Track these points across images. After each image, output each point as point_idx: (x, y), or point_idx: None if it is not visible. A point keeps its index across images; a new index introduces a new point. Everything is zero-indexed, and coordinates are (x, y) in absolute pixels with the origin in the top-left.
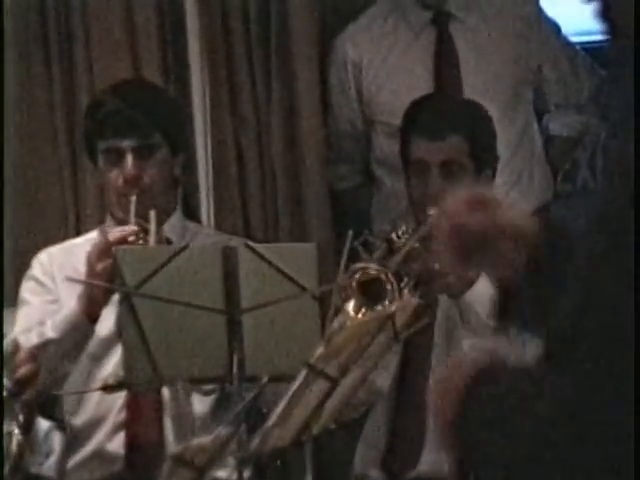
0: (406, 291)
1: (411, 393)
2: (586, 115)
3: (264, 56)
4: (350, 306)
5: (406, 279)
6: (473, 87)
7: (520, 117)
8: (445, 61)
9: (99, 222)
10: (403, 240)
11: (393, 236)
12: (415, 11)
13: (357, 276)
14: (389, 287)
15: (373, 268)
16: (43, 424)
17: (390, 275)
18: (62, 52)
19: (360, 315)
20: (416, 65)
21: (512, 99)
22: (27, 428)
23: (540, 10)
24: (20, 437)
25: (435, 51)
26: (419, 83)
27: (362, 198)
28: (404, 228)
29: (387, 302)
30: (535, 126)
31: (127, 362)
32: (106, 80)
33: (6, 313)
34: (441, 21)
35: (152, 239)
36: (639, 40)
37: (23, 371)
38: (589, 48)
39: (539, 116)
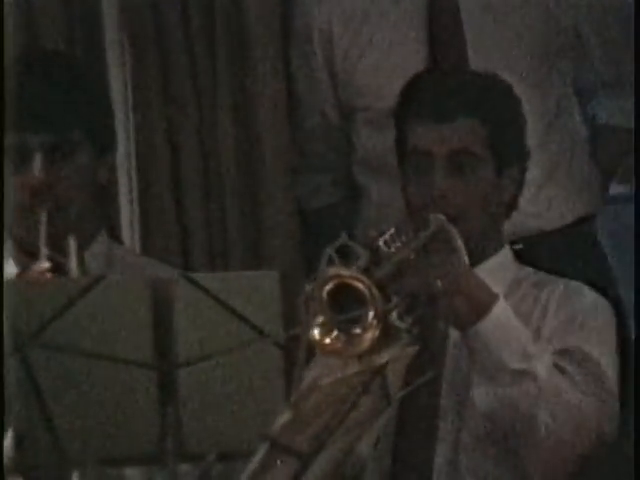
0: (394, 314)
1: (410, 471)
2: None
3: (207, 29)
4: (316, 328)
5: (395, 299)
6: (483, 55)
7: (552, 98)
8: (443, 21)
9: None
10: (394, 248)
11: (380, 243)
12: None
13: (327, 286)
14: (370, 304)
15: (349, 275)
16: None
17: (372, 287)
18: None
19: (329, 340)
20: (404, 29)
21: (540, 73)
22: None
23: None
24: None
25: (429, 8)
26: (409, 51)
27: (343, 217)
28: (392, 231)
29: (368, 323)
30: (577, 111)
31: (20, 438)
32: None
33: None
34: None
35: (73, 276)
36: None
37: None
38: None
39: (585, 99)
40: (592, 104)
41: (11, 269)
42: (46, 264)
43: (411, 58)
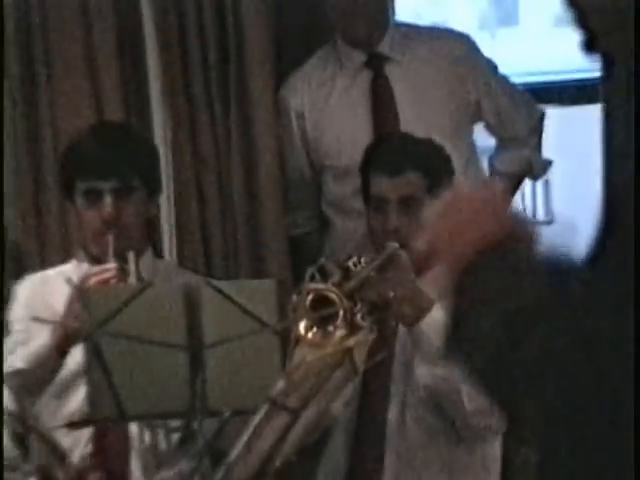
0: (359, 316)
1: (370, 425)
2: (525, 150)
3: (223, 100)
4: (301, 326)
5: (360, 305)
6: (411, 123)
7: (462, 152)
8: (382, 101)
9: (63, 258)
10: (359, 268)
11: (350, 264)
12: (350, 55)
13: (309, 296)
14: (340, 309)
15: (325, 288)
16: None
17: (342, 297)
18: (25, 90)
19: (310, 335)
20: (355, 107)
21: (452, 134)
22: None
23: (475, 50)
24: None
25: (371, 92)
26: (359, 124)
27: (317, 241)
28: (355, 258)
29: (339, 323)
30: (479, 161)
31: (91, 399)
32: (69, 119)
33: None
34: (376, 63)
35: (132, 279)
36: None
37: None
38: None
39: (485, 153)
40: (490, 156)
41: (77, 273)
42: (113, 269)
43: (360, 130)
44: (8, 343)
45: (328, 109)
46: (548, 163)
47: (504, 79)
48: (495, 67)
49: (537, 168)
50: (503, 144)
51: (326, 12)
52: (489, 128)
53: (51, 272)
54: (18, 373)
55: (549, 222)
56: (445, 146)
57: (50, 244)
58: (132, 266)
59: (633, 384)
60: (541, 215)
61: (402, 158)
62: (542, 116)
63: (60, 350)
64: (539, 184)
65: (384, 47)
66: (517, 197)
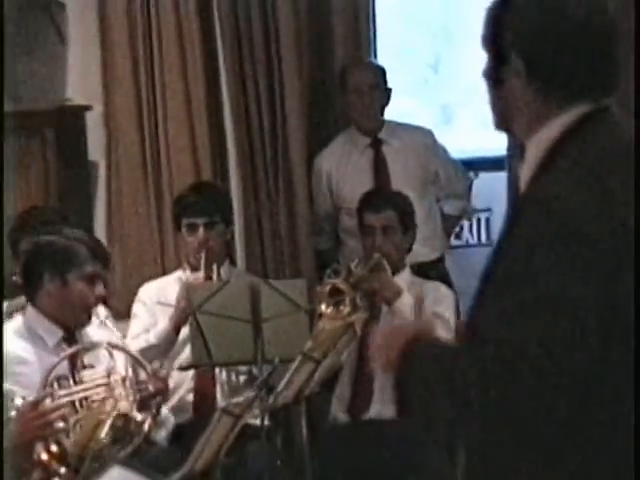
0: (358, 299)
1: (364, 368)
2: (463, 201)
3: (274, 170)
4: (322, 306)
5: (359, 293)
6: (398, 182)
7: (427, 201)
8: (379, 168)
9: (176, 266)
10: (358, 269)
11: (352, 266)
12: (359, 139)
13: (328, 288)
14: (347, 296)
15: (337, 282)
16: None
17: (349, 288)
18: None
19: (328, 312)
20: (362, 172)
21: (422, 190)
22: (157, 413)
23: (435, 140)
24: (151, 422)
25: (373, 163)
26: (365, 182)
27: (333, 253)
28: (356, 263)
29: (346, 304)
30: (436, 207)
31: (193, 353)
32: (182, 177)
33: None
34: (376, 145)
35: (215, 279)
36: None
37: (157, 385)
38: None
39: (440, 201)
40: (440, 203)
41: (184, 276)
42: (202, 275)
43: (365, 186)
44: (133, 329)
45: (346, 172)
46: (475, 210)
47: (451, 158)
48: (445, 150)
49: (469, 213)
50: (448, 197)
51: (346, 111)
52: (440, 188)
53: (165, 278)
54: (152, 346)
55: (490, 245)
56: (415, 197)
57: (168, 258)
58: (215, 273)
59: (633, 384)
60: (483, 240)
61: (383, 202)
62: (471, 181)
63: (177, 329)
64: (482, 219)
65: (382, 134)
66: (465, 228)
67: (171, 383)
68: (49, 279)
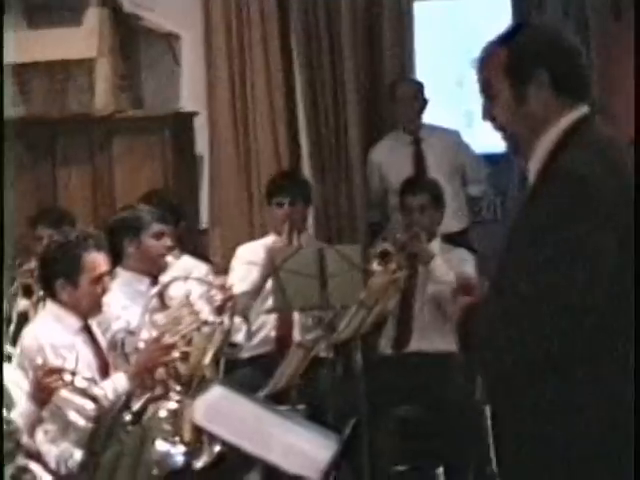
0: (401, 260)
1: (406, 311)
2: (484, 186)
3: (337, 161)
4: (374, 265)
5: (402, 256)
6: (432, 171)
7: (455, 185)
8: (418, 160)
9: (263, 234)
10: (401, 237)
11: (397, 236)
12: (403, 137)
13: (378, 250)
14: (394, 257)
15: (386, 246)
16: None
17: (396, 250)
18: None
19: (379, 269)
20: (405, 163)
21: (450, 177)
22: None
23: (461, 139)
24: (229, 322)
25: (413, 156)
26: (407, 171)
27: (383, 225)
28: (400, 233)
29: (393, 264)
30: (461, 190)
31: (275, 300)
32: (268, 164)
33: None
34: (416, 142)
35: (295, 244)
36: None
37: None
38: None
39: (465, 185)
40: (466, 187)
41: (270, 242)
42: (285, 241)
43: (407, 173)
44: (230, 279)
45: (392, 163)
46: (491, 193)
47: (473, 153)
48: (469, 147)
49: (487, 195)
50: (471, 182)
51: (394, 116)
52: (465, 175)
53: (259, 241)
54: (246, 293)
55: (502, 221)
56: (444, 182)
57: (255, 229)
58: (296, 239)
59: (633, 384)
60: (499, 216)
61: (419, 187)
62: (489, 170)
63: (263, 281)
64: (497, 201)
65: (421, 134)
66: (484, 207)
67: (259, 322)
68: (128, 242)
